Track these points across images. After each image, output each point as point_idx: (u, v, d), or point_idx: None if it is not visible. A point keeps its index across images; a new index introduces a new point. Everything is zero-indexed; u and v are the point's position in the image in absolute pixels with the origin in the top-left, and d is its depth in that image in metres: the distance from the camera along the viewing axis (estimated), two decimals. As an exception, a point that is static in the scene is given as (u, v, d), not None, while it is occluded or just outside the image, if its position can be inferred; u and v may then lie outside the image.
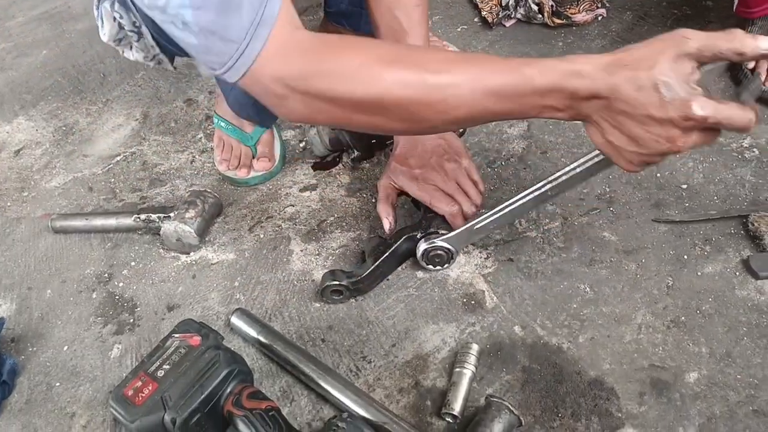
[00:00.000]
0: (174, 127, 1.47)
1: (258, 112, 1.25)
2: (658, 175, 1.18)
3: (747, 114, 0.64)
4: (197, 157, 1.38)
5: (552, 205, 1.16)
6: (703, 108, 0.62)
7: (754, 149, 1.19)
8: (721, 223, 1.08)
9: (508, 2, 1.56)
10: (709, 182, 1.15)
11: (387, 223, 1.09)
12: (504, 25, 1.58)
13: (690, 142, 0.66)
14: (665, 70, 0.63)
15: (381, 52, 0.75)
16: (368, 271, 1.02)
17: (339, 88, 0.73)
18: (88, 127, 1.52)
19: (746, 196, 1.12)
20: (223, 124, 1.30)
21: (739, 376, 0.89)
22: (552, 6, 1.52)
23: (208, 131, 1.42)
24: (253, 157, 1.29)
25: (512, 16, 1.57)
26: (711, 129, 0.66)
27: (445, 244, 1.03)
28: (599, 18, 1.55)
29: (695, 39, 0.63)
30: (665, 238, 1.08)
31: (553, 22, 1.52)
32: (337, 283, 1.01)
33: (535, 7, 1.52)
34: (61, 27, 1.92)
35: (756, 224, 1.04)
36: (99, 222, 1.21)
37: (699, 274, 1.02)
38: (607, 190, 1.17)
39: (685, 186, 1.15)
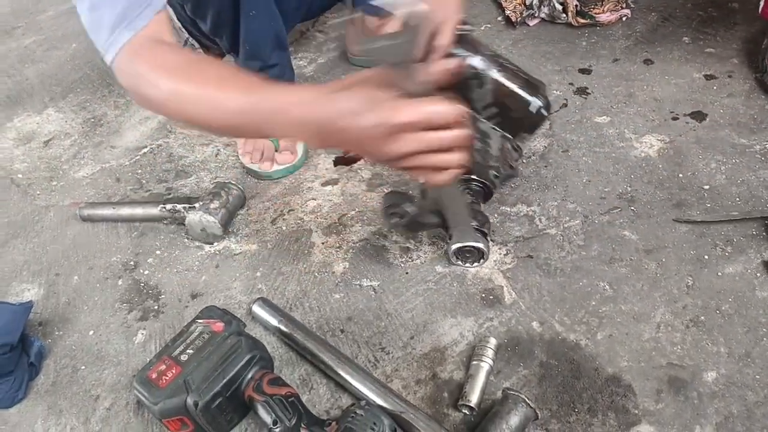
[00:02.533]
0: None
1: None
2: (680, 175, 1.18)
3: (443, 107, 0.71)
4: (222, 150, 1.40)
5: (573, 203, 1.17)
6: (407, 114, 0.69)
7: (778, 151, 1.19)
8: (742, 224, 1.08)
9: (532, 1, 1.56)
10: (732, 183, 1.15)
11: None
12: (528, 24, 1.59)
13: (407, 143, 0.71)
14: (363, 97, 0.71)
15: (170, 65, 0.82)
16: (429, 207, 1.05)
17: (141, 90, 0.83)
18: (116, 119, 1.55)
19: (769, 198, 1.12)
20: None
21: (757, 377, 0.89)
22: (576, 5, 1.52)
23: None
24: (276, 151, 1.31)
25: (536, 15, 1.57)
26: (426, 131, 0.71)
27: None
28: (624, 18, 1.55)
29: (381, 73, 0.75)
30: (686, 238, 1.08)
31: (577, 21, 1.52)
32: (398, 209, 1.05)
33: (559, 7, 1.52)
34: (90, 21, 1.95)
35: (778, 226, 1.04)
36: (126, 211, 1.23)
37: (719, 274, 1.02)
38: (629, 189, 1.17)
39: (707, 187, 1.15)
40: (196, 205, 1.17)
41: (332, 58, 1.64)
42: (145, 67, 0.81)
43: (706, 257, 1.04)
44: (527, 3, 1.57)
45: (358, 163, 1.32)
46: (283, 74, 1.34)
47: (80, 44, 1.84)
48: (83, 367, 1.03)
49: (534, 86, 1.05)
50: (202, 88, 0.78)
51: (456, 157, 0.74)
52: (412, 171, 0.76)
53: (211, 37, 1.28)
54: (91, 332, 1.07)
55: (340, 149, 0.78)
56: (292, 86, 0.75)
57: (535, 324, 1.00)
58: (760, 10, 1.30)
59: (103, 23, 0.82)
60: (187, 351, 0.87)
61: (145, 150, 1.43)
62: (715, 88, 1.34)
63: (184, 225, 1.19)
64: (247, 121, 0.77)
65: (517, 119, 1.06)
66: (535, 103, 1.03)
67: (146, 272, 1.15)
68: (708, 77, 1.36)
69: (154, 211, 1.20)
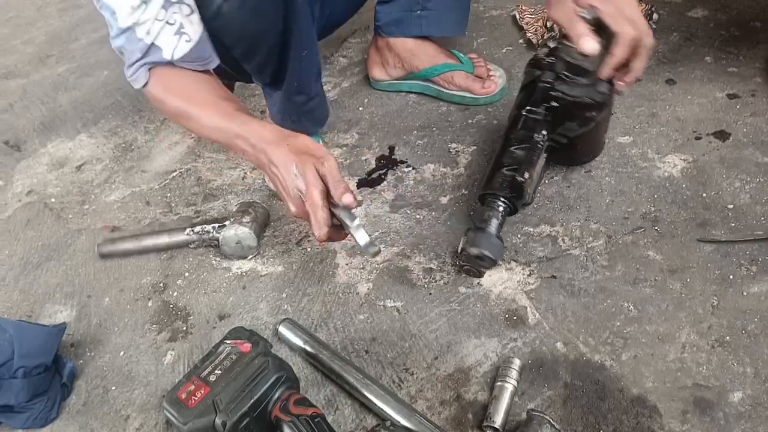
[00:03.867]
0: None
1: (297, 121, 1.33)
2: (704, 195, 1.17)
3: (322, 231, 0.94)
4: (248, 173, 1.43)
5: (596, 223, 1.17)
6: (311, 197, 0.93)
7: (804, 170, 1.18)
8: (767, 244, 1.07)
9: (553, 24, 1.58)
10: (756, 203, 1.14)
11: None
12: (549, 46, 1.60)
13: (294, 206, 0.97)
14: (304, 159, 0.94)
15: (169, 86, 1.07)
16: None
17: (160, 108, 1.14)
18: (146, 144, 1.59)
19: (795, 217, 1.11)
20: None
21: (786, 398, 0.88)
22: (596, 27, 1.53)
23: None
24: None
25: (557, 37, 1.58)
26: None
27: None
28: (644, 39, 1.55)
29: (330, 164, 0.94)
30: (710, 257, 1.07)
31: (598, 43, 1.53)
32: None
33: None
34: (121, 49, 2.02)
35: (805, 245, 1.03)
36: (149, 242, 1.25)
37: (744, 294, 1.01)
38: (652, 209, 1.17)
39: (731, 206, 1.14)
40: (227, 222, 1.20)
41: (356, 82, 1.67)
42: (161, 90, 1.07)
43: (731, 277, 1.04)
44: (548, 25, 1.59)
45: (381, 185, 1.34)
46: (322, 103, 1.38)
47: (111, 72, 1.89)
48: (114, 388, 1.05)
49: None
50: (195, 109, 1.05)
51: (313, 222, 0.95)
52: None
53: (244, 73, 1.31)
54: (122, 353, 1.10)
55: (269, 177, 1.02)
56: (255, 120, 1.03)
57: (559, 345, 1.00)
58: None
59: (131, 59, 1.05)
60: (216, 371, 0.89)
61: (174, 174, 1.47)
62: (738, 107, 1.34)
63: (212, 247, 1.21)
64: (220, 137, 1.04)
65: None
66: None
67: (175, 294, 1.18)
68: (731, 96, 1.36)
69: (180, 237, 1.23)
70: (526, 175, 1.10)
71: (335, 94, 1.64)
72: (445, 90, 1.51)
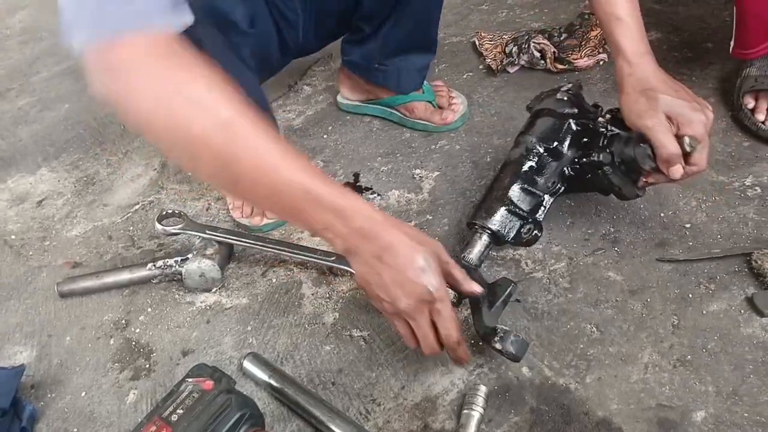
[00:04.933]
0: (191, 176, 1.52)
1: None
2: (662, 214, 1.20)
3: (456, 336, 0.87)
4: (213, 204, 1.43)
5: (557, 245, 1.18)
6: (440, 305, 0.82)
7: (757, 188, 1.21)
8: (724, 262, 1.09)
9: (512, 50, 1.61)
10: (713, 221, 1.17)
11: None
12: (508, 72, 1.63)
13: (415, 313, 0.83)
14: (428, 255, 0.81)
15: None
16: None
17: None
18: (108, 177, 1.58)
19: (749, 234, 1.13)
20: (235, 172, 1.34)
21: (746, 414, 0.89)
22: (554, 52, 1.57)
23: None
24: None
25: (516, 62, 1.62)
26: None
27: None
28: (601, 63, 1.59)
29: (446, 256, 0.86)
30: (670, 277, 1.09)
31: (556, 68, 1.56)
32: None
33: (537, 54, 1.57)
34: (83, 81, 1.99)
35: (759, 262, 1.05)
36: (110, 279, 1.23)
37: (704, 312, 1.03)
38: (612, 230, 1.19)
39: (688, 225, 1.17)
40: (189, 255, 1.19)
41: (320, 110, 1.68)
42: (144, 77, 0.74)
43: (691, 296, 1.06)
44: (507, 51, 1.62)
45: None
46: None
47: (73, 104, 1.88)
48: (75, 430, 1.02)
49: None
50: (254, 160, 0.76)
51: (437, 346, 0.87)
52: (397, 327, 0.88)
53: None
54: (83, 393, 1.08)
55: (370, 278, 0.82)
56: (351, 193, 0.81)
57: (524, 369, 1.00)
58: (731, 50, 1.34)
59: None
60: (178, 411, 0.87)
61: (137, 207, 1.45)
62: (692, 127, 1.37)
63: (175, 282, 1.20)
64: (285, 199, 0.76)
65: None
66: None
67: (137, 330, 1.16)
68: (685, 117, 1.40)
69: (142, 272, 1.21)
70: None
71: (300, 122, 1.64)
72: (407, 118, 1.53)
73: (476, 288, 0.91)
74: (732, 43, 1.34)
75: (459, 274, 0.89)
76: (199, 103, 0.72)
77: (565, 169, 1.12)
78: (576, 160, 1.10)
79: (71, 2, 0.72)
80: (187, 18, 0.76)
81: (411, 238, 0.80)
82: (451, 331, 0.85)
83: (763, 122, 1.29)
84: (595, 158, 1.05)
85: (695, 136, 0.96)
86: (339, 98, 1.64)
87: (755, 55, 1.30)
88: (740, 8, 1.27)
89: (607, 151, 1.05)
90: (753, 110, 1.31)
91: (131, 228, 1.40)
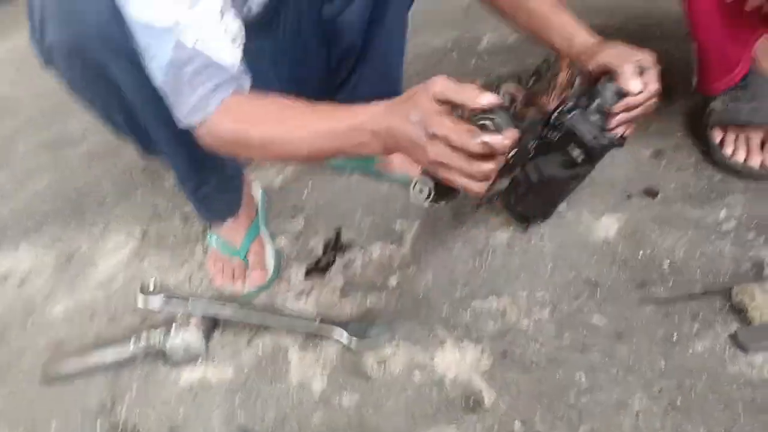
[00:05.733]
0: (173, 243, 1.52)
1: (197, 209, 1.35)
2: (641, 254, 1.21)
3: (474, 139, 0.77)
4: (195, 272, 1.42)
5: (541, 291, 1.19)
6: (437, 128, 0.78)
7: (731, 221, 1.22)
8: (706, 299, 1.10)
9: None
10: (690, 258, 1.18)
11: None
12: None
13: (435, 150, 0.79)
14: (415, 105, 0.80)
15: (241, 114, 0.94)
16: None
17: (234, 149, 0.99)
18: (89, 250, 1.57)
19: (728, 268, 1.14)
20: (214, 239, 1.35)
21: (740, 457, 0.89)
22: (524, 97, 1.59)
23: (207, 245, 1.47)
24: (248, 269, 1.34)
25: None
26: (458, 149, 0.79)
27: None
28: (570, 103, 1.61)
29: (439, 85, 0.78)
30: (653, 318, 1.10)
31: (525, 111, 1.59)
32: None
33: (508, 100, 1.60)
34: (61, 153, 2.01)
35: (739, 297, 1.06)
36: (94, 362, 1.21)
37: (690, 352, 1.03)
38: (593, 272, 1.20)
39: (667, 263, 1.18)
40: (173, 327, 1.18)
41: (301, 167, 1.69)
42: (231, 123, 0.92)
43: (676, 336, 1.06)
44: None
45: (329, 272, 1.34)
46: (224, 190, 1.34)
47: (52, 177, 1.88)
48: None
49: None
50: (290, 127, 0.91)
51: (477, 184, 0.82)
52: (447, 179, 0.84)
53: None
54: (72, 481, 1.06)
55: (404, 154, 0.86)
56: (357, 107, 0.88)
57: (517, 424, 0.99)
58: (694, 85, 1.37)
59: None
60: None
61: (119, 279, 1.45)
62: (664, 163, 1.39)
63: (160, 357, 1.19)
64: (330, 143, 0.89)
65: None
66: None
67: (123, 411, 1.14)
68: (656, 153, 1.42)
69: (125, 352, 1.20)
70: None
71: (280, 181, 1.65)
72: (385, 172, 1.54)
73: (483, 98, 0.79)
74: (694, 79, 1.37)
75: (457, 96, 0.79)
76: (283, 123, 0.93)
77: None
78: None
79: (167, 90, 0.92)
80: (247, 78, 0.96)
81: (401, 107, 0.82)
82: (462, 140, 0.78)
83: (731, 155, 1.31)
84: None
85: (643, 60, 1.09)
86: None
87: (717, 90, 1.33)
88: (699, 45, 1.30)
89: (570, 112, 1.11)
90: (721, 144, 1.33)
91: (113, 303, 1.39)
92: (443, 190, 0.92)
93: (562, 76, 1.63)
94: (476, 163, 0.79)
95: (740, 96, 1.32)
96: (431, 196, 0.92)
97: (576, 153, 1.12)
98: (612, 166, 1.41)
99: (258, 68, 1.21)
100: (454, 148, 0.78)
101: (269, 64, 1.29)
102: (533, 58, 1.81)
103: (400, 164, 1.51)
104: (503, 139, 0.77)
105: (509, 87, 1.61)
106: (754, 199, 1.25)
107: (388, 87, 1.44)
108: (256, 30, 1.25)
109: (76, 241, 1.61)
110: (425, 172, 0.90)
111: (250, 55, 1.03)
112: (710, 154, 1.35)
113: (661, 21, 1.81)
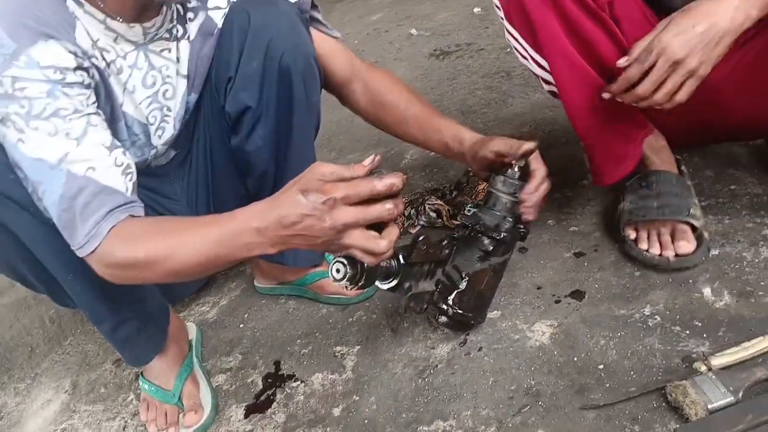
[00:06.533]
0: (104, 392, 1.46)
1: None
2: (575, 359, 1.23)
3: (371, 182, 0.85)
4: (129, 421, 1.36)
5: (485, 408, 1.18)
6: (334, 192, 0.84)
7: (656, 316, 1.27)
8: (643, 399, 1.12)
9: (410, 212, 1.69)
10: (623, 358, 1.20)
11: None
12: (410, 232, 1.70)
13: (336, 215, 0.84)
14: (304, 186, 0.85)
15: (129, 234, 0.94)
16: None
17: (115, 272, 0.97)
18: (17, 407, 1.49)
19: (659, 365, 1.17)
20: (146, 385, 1.32)
21: None
22: (449, 210, 1.66)
23: (139, 391, 1.41)
24: (181, 412, 1.29)
25: (416, 224, 1.70)
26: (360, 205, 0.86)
27: None
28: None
29: (326, 167, 0.85)
30: (596, 425, 1.10)
31: (452, 224, 1.65)
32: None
33: (433, 214, 1.66)
34: (-16, 305, 1.94)
35: (673, 395, 1.08)
36: None
37: (634, 458, 1.04)
38: (533, 383, 1.21)
39: (601, 366, 1.20)
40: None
41: (234, 297, 1.68)
42: (120, 243, 0.93)
43: (619, 442, 1.07)
44: (406, 214, 1.70)
45: (270, 408, 1.31)
46: (142, 329, 1.29)
47: (-26, 332, 1.80)
48: None
49: None
50: (174, 241, 0.92)
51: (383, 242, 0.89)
52: (353, 247, 0.89)
53: None
54: None
55: (301, 247, 0.90)
56: (239, 209, 0.91)
57: None
58: (591, 180, 1.46)
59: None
60: None
61: (48, 440, 1.37)
62: (585, 264, 1.45)
63: None
64: (216, 249, 0.90)
65: None
66: None
67: None
68: (577, 255, 1.48)
69: None
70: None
71: (214, 314, 1.63)
72: (320, 295, 1.54)
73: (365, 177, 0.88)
74: (590, 175, 1.45)
75: (345, 172, 0.87)
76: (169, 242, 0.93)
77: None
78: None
79: (61, 225, 0.92)
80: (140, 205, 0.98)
81: (286, 196, 0.86)
82: (360, 187, 0.85)
83: (647, 250, 1.38)
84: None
85: (527, 146, 1.23)
86: (255, 283, 1.66)
87: (609, 180, 1.40)
88: (581, 139, 1.39)
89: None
90: (636, 240, 1.40)
91: (43, 466, 1.30)
92: (360, 270, 0.99)
93: (482, 187, 1.70)
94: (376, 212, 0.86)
95: (648, 195, 1.41)
96: (347, 276, 0.97)
97: (486, 242, 1.24)
98: (537, 271, 1.47)
99: (176, 210, 1.23)
100: (356, 203, 0.85)
101: (186, 204, 1.31)
102: (454, 170, 1.90)
103: (333, 287, 1.52)
104: (395, 178, 0.87)
105: (433, 202, 1.67)
106: (675, 292, 1.30)
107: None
108: (172, 171, 1.29)
109: (2, 399, 1.53)
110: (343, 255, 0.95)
111: (167, 198, 1.06)
112: (627, 251, 1.41)
113: (567, 127, 1.92)
